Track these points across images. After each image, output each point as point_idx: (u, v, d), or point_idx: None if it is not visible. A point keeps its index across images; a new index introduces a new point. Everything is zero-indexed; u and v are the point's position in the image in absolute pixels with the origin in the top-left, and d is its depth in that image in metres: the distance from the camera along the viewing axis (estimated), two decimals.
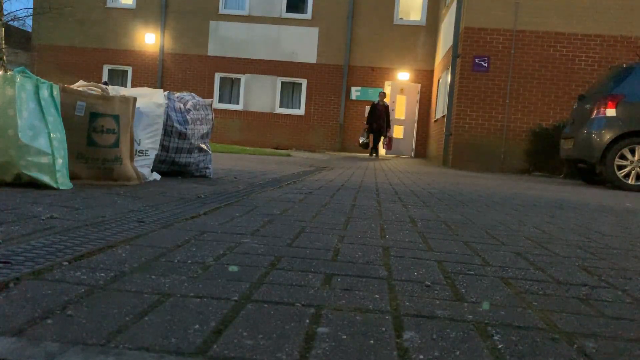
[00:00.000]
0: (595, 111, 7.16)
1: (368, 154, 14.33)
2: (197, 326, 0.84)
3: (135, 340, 0.77)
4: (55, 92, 2.52)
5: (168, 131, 3.47)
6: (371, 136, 13.96)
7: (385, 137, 14.29)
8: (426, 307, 1.04)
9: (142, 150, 3.10)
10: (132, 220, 1.76)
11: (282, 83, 17.39)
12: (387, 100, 14.74)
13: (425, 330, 0.90)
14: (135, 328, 0.82)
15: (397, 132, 17.19)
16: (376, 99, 14.79)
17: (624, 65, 7.70)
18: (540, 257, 1.66)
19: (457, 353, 0.81)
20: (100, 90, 2.85)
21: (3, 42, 15.62)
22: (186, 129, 3.57)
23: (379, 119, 13.95)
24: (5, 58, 15.55)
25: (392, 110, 17.12)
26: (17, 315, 0.83)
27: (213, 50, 17.34)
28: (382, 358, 0.77)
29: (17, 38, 19.36)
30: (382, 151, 16.08)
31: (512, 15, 10.61)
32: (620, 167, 6.96)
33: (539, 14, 10.59)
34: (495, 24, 10.70)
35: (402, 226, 2.12)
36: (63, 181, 2.46)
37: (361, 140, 13.79)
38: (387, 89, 17.01)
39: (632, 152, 6.94)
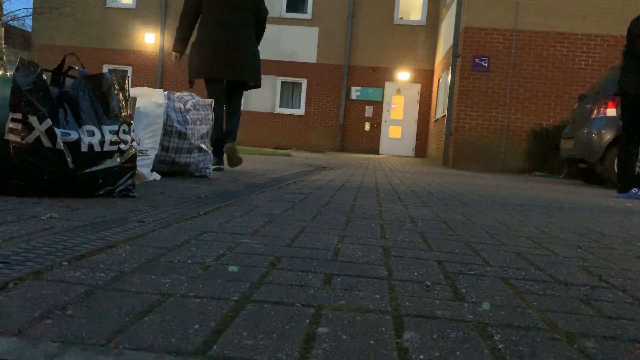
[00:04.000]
0: (595, 111, 7.16)
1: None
2: (197, 326, 0.84)
3: (135, 340, 0.77)
4: None
5: (168, 131, 3.47)
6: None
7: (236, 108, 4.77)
8: (426, 307, 1.04)
9: (142, 150, 3.10)
10: (132, 220, 1.76)
11: (282, 83, 17.40)
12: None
13: (425, 331, 0.90)
14: (135, 328, 0.82)
15: (396, 131, 17.19)
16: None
17: None
18: (540, 257, 1.66)
19: (458, 353, 0.81)
20: None
21: (3, 42, 15.62)
22: (186, 129, 3.57)
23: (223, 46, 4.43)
24: (5, 58, 15.55)
25: (388, 109, 17.09)
26: (17, 315, 0.83)
27: None
28: (382, 358, 0.77)
29: (17, 38, 19.36)
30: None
31: (512, 15, 10.62)
32: None
33: (539, 14, 10.59)
34: (495, 24, 10.70)
35: (402, 226, 2.12)
36: None
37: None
38: (387, 89, 17.01)
39: None
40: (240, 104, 4.75)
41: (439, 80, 14.87)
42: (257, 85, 4.66)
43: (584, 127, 7.29)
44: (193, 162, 3.69)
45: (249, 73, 4.52)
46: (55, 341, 0.74)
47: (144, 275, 1.12)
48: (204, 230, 1.69)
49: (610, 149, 6.91)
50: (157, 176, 3.25)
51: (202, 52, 4.36)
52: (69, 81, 2.32)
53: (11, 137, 2.05)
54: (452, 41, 11.50)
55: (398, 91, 16.92)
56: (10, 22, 18.01)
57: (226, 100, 4.57)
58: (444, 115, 12.26)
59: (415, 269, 1.37)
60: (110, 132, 2.26)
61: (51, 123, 2.05)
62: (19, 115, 2.04)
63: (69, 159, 2.09)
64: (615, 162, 6.90)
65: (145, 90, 3.33)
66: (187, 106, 3.69)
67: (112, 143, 2.26)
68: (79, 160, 2.14)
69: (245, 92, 4.85)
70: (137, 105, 3.00)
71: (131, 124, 2.39)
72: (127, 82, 2.39)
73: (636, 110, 5.02)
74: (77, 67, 2.32)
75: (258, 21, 4.59)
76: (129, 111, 2.39)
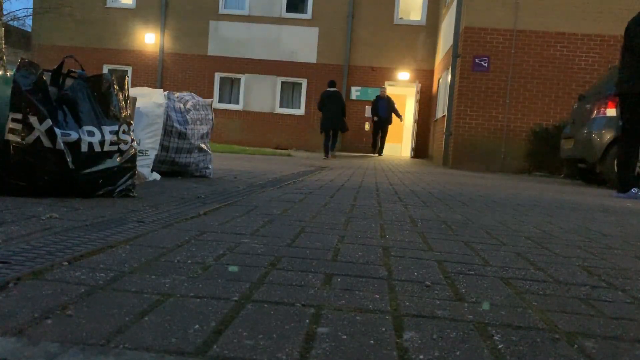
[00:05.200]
0: (595, 111, 7.16)
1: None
2: (197, 326, 0.84)
3: (135, 340, 0.77)
4: None
5: (168, 131, 3.47)
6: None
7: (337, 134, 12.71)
8: (426, 307, 1.04)
9: (142, 150, 3.10)
10: (132, 220, 1.76)
11: (282, 83, 17.38)
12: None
13: (425, 330, 0.90)
14: (135, 328, 0.82)
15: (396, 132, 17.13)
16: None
17: None
18: (540, 257, 1.66)
19: (457, 353, 0.81)
20: None
21: (3, 42, 15.62)
22: (186, 129, 3.57)
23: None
24: (5, 58, 15.55)
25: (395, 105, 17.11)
26: (17, 315, 0.83)
27: (213, 50, 17.34)
28: (382, 358, 0.77)
29: (17, 38, 19.36)
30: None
31: (512, 15, 10.61)
32: None
33: (539, 14, 10.59)
34: (495, 24, 10.70)
35: (402, 226, 2.12)
36: None
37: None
38: (387, 89, 16.98)
39: None
40: (337, 137, 12.30)
41: (439, 80, 14.87)
42: (343, 129, 12.51)
43: (584, 127, 7.28)
44: (193, 162, 3.69)
45: (337, 125, 12.02)
46: (55, 341, 0.74)
47: (143, 275, 1.12)
48: (204, 230, 1.69)
49: (610, 149, 6.90)
50: (157, 176, 3.25)
51: (322, 119, 12.05)
52: (69, 82, 2.32)
53: (11, 137, 2.05)
54: (452, 41, 11.49)
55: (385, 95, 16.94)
56: (10, 22, 18.02)
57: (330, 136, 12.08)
58: (444, 116, 12.26)
59: (415, 269, 1.37)
60: (110, 132, 2.26)
61: (51, 123, 2.05)
62: (19, 116, 2.04)
63: (69, 159, 2.10)
64: (615, 162, 6.90)
65: (145, 90, 3.33)
66: (187, 106, 3.69)
67: (112, 143, 2.26)
68: (79, 160, 2.14)
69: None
70: (137, 105, 3.00)
71: (131, 124, 2.39)
72: (126, 82, 2.39)
73: (635, 110, 5.01)
74: (76, 70, 2.32)
75: (342, 106, 12.03)
76: (128, 111, 2.39)
